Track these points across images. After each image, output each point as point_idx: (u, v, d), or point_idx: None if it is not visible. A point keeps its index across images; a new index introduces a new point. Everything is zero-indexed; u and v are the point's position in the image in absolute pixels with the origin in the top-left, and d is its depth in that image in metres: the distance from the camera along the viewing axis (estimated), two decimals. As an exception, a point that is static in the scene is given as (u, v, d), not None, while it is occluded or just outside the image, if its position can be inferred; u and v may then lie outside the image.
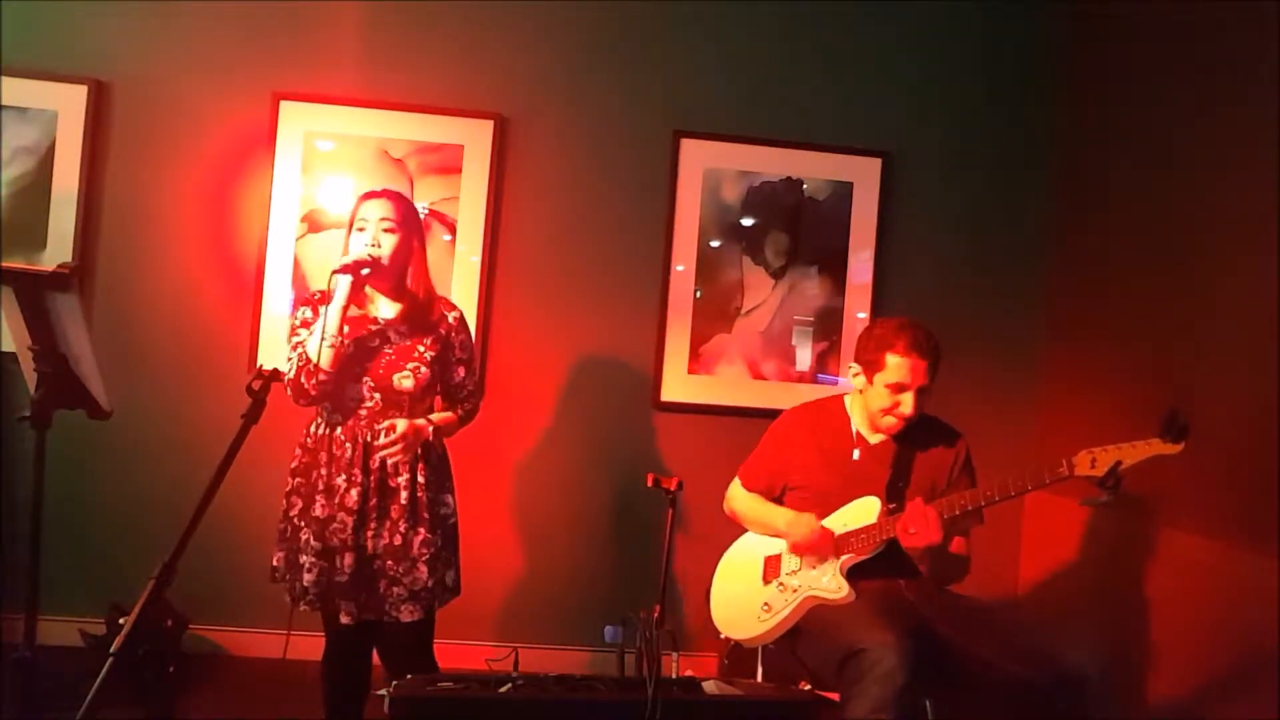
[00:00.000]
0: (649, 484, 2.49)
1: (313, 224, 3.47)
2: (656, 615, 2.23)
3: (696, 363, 3.59)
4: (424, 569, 2.36)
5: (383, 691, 1.79)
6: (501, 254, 3.55)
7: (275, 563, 2.42)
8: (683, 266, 3.59)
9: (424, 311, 2.45)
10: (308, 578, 2.32)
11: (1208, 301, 2.82)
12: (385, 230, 2.38)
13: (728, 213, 3.61)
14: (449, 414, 2.54)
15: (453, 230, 3.50)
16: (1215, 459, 2.62)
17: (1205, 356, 2.80)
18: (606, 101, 3.57)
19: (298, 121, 3.46)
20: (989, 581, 2.48)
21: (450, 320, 2.49)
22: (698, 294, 3.60)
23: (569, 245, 3.57)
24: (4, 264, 2.33)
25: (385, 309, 2.45)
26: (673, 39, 3.59)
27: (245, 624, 3.42)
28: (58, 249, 3.37)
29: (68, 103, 3.38)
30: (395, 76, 3.49)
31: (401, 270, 2.43)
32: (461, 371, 2.53)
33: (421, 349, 2.42)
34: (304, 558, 2.33)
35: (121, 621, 1.70)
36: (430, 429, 2.41)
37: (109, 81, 3.41)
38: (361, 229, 2.40)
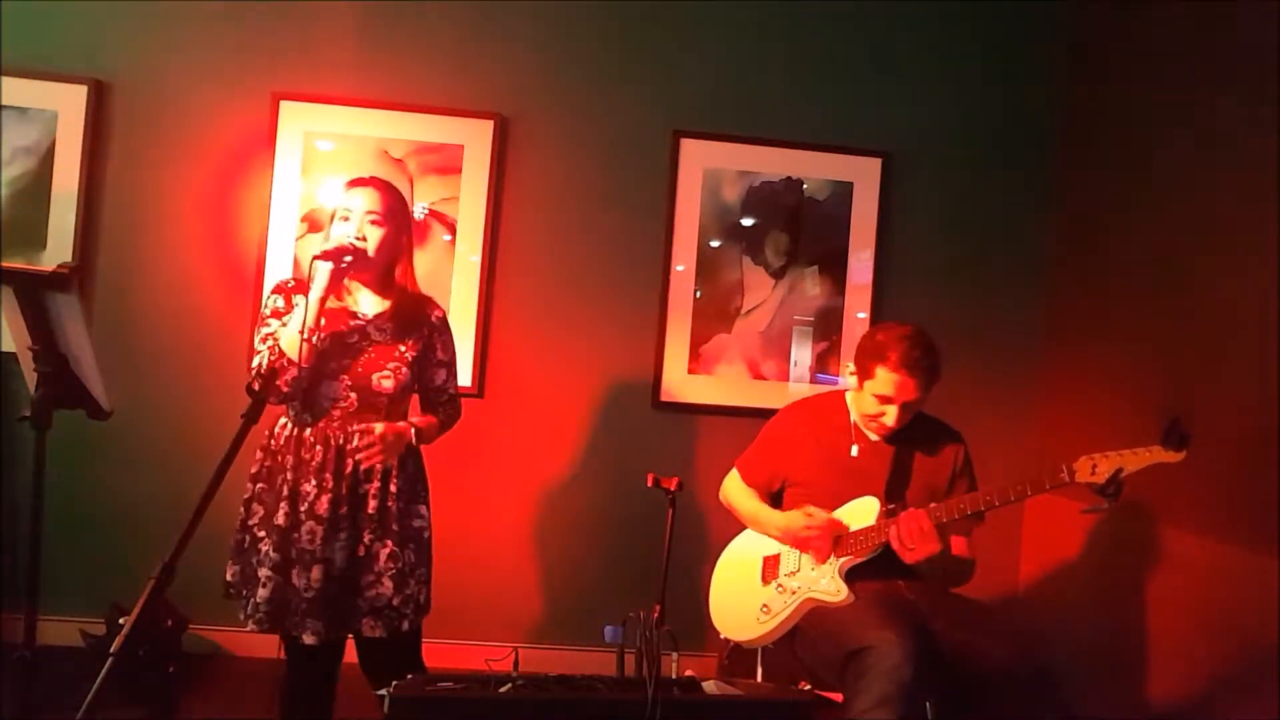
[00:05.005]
0: (649, 484, 2.48)
1: (313, 224, 3.46)
2: (656, 615, 2.23)
3: (696, 363, 3.59)
4: (389, 584, 2.22)
5: (382, 691, 1.79)
6: (501, 254, 3.54)
7: (230, 577, 2.27)
8: (683, 266, 3.58)
9: (410, 310, 2.32)
10: (262, 593, 2.17)
11: (1208, 302, 2.81)
12: (371, 222, 2.23)
13: (728, 213, 3.61)
14: (430, 417, 2.39)
15: (453, 230, 3.50)
16: (1215, 459, 2.62)
17: (1205, 357, 2.80)
18: (606, 101, 3.57)
19: (298, 121, 3.46)
20: (989, 581, 2.48)
21: (434, 320, 2.37)
22: (698, 294, 3.60)
23: (569, 245, 3.57)
24: (4, 264, 2.33)
25: (367, 304, 2.32)
26: (673, 39, 3.59)
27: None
28: (58, 249, 3.37)
29: (68, 103, 3.37)
30: (395, 76, 3.49)
31: (388, 265, 2.29)
32: (443, 374, 2.39)
33: (403, 349, 2.29)
34: (263, 571, 2.18)
35: (121, 621, 1.70)
36: (412, 431, 2.28)
37: (109, 81, 3.41)
38: (346, 218, 2.24)
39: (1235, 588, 2.56)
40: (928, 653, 2.12)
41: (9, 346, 2.35)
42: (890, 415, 2.38)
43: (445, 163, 3.51)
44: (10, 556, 2.93)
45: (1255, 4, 2.68)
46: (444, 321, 2.41)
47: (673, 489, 2.41)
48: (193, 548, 1.76)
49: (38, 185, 3.38)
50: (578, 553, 3.56)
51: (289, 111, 3.45)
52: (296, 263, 3.45)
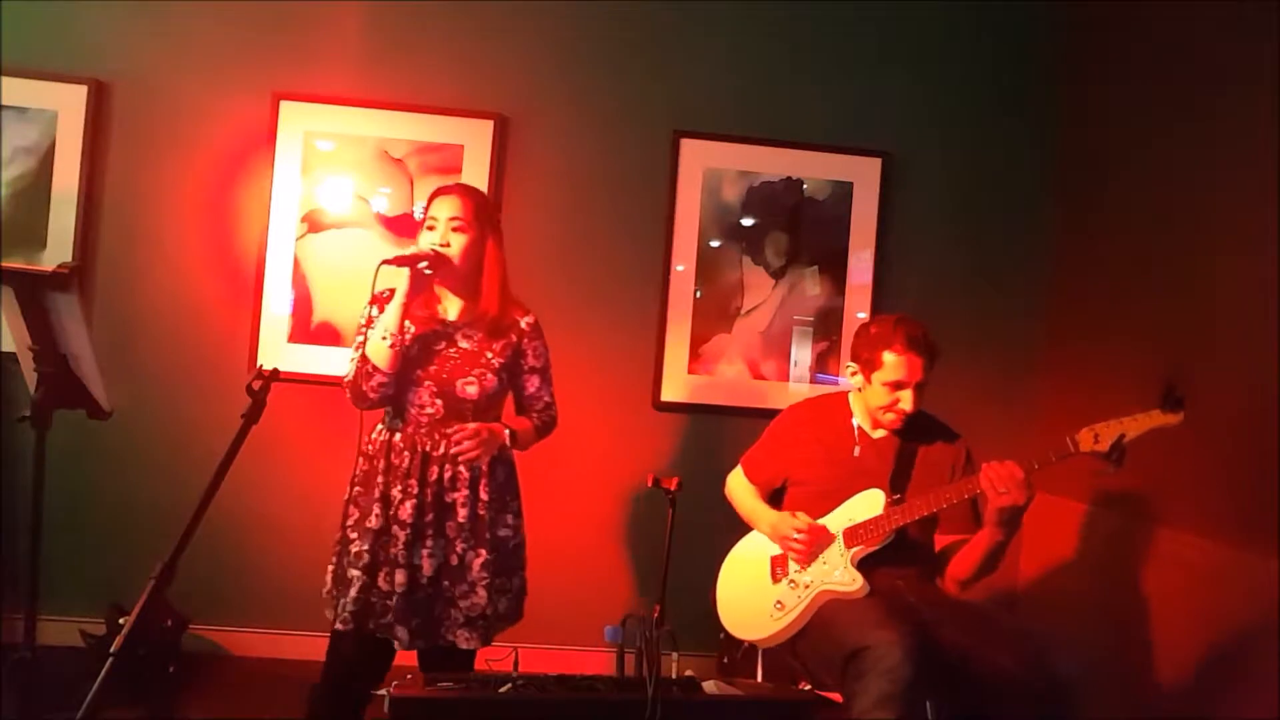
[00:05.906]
0: (649, 484, 2.49)
1: (313, 224, 3.47)
2: (656, 615, 2.23)
3: (696, 363, 3.59)
4: (483, 593, 2.24)
5: (383, 691, 1.79)
6: (501, 254, 3.54)
7: (329, 577, 2.31)
8: (683, 266, 3.58)
9: (496, 315, 2.32)
10: (350, 593, 2.20)
11: (1207, 301, 2.81)
12: (455, 229, 2.27)
13: (728, 213, 3.61)
14: (525, 421, 2.42)
15: (453, 230, 3.50)
16: (1215, 458, 2.62)
17: (1204, 356, 2.79)
18: (606, 101, 3.57)
19: (298, 121, 3.46)
20: (989, 581, 2.47)
21: (523, 326, 2.37)
22: (698, 294, 3.60)
23: (569, 245, 3.57)
24: (4, 264, 2.33)
25: (454, 310, 2.34)
26: (673, 39, 3.58)
27: (245, 624, 3.42)
28: (58, 249, 3.37)
29: (68, 103, 3.37)
30: (395, 76, 3.49)
31: (474, 270, 2.30)
32: (536, 381, 2.41)
33: (490, 355, 2.31)
34: (353, 572, 2.22)
35: (121, 621, 1.70)
36: (507, 433, 2.29)
37: (109, 81, 3.41)
38: (431, 227, 2.28)
39: (1235, 587, 2.56)
40: (927, 652, 2.12)
41: (9, 346, 2.36)
42: (906, 399, 2.38)
43: (445, 163, 3.50)
44: (10, 556, 2.94)
45: (1255, 4, 2.68)
46: (535, 327, 2.41)
47: (673, 489, 2.42)
48: (193, 548, 1.76)
49: (38, 185, 3.38)
50: (577, 553, 3.55)
51: (289, 111, 3.45)
52: (297, 262, 3.45)
